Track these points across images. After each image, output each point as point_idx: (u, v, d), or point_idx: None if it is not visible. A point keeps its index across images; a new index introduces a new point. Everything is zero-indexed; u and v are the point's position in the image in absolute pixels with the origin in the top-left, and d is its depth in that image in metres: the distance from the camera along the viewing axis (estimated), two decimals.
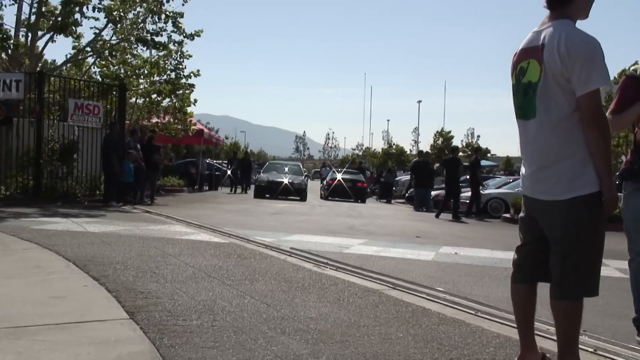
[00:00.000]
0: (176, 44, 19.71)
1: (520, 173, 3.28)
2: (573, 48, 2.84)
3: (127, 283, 4.99)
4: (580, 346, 3.19)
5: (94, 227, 9.18)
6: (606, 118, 2.94)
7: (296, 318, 4.13)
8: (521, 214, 3.30)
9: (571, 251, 2.95)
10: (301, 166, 31.03)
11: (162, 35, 18.79)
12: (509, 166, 59.94)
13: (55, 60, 20.10)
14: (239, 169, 30.10)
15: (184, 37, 19.53)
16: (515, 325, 3.65)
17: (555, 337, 3.22)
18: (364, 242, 9.58)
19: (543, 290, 3.19)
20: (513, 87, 3.18)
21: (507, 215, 17.42)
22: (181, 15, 18.49)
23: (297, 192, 24.09)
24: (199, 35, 19.67)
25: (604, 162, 2.90)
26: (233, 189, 29.19)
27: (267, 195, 23.75)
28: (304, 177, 26.71)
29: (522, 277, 3.27)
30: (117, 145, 14.91)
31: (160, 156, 17.74)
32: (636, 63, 4.10)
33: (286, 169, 26.80)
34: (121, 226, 9.59)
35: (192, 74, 21.63)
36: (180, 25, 18.46)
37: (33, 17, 16.98)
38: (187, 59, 20.79)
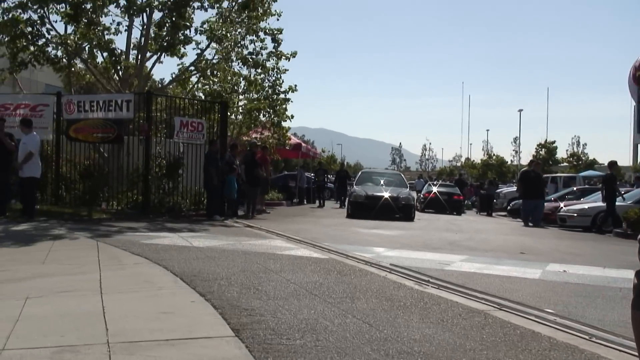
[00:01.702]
0: (274, 59, 20.19)
1: None
2: None
3: (231, 299, 5.10)
4: None
5: (198, 242, 9.48)
6: None
7: (399, 339, 4.06)
8: None
9: None
10: (403, 176, 25.31)
11: (262, 55, 19.31)
12: (618, 176, 56.87)
13: (163, 78, 21.12)
14: (336, 182, 28.96)
15: (280, 57, 20.09)
16: (637, 354, 3.42)
17: None
18: (465, 258, 9.34)
19: None
20: None
21: (619, 230, 16.48)
22: (280, 31, 18.90)
23: (402, 210, 19.06)
24: (294, 56, 20.17)
25: None
26: (319, 202, 27.03)
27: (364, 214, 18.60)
28: (408, 189, 21.61)
29: None
30: (216, 161, 15.38)
31: (262, 171, 18.12)
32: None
33: (384, 180, 22.05)
34: (224, 241, 9.86)
35: (289, 89, 22.07)
36: (279, 40, 18.86)
37: (142, 40, 17.88)
38: (284, 73, 21.25)
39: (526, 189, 19.71)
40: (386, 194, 19.47)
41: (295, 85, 22.26)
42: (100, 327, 4.08)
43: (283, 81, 21.74)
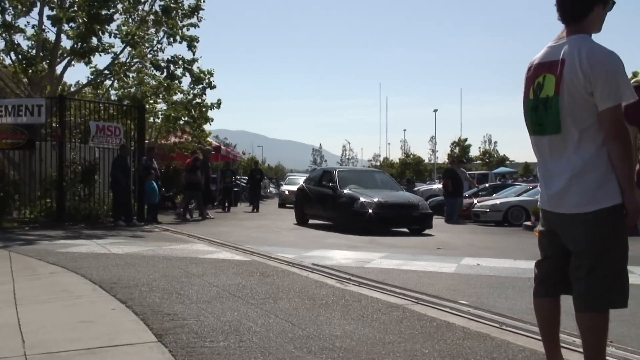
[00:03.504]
0: (191, 78, 20.03)
1: (539, 188, 3.30)
2: (596, 63, 2.87)
3: (153, 305, 5.06)
4: (607, 358, 3.19)
5: (117, 249, 9.30)
6: (628, 131, 2.95)
7: (322, 336, 4.17)
8: (541, 228, 3.32)
9: (597, 263, 2.97)
10: (389, 175, 21.68)
11: (179, 66, 18.98)
12: (527, 172, 59.49)
13: (78, 81, 20.39)
14: (249, 182, 26.29)
15: (196, 82, 20.08)
16: (541, 338, 3.67)
17: (581, 349, 3.24)
18: (384, 255, 9.58)
19: (567, 301, 3.21)
20: (530, 102, 3.20)
21: (528, 223, 17.30)
22: (196, 39, 18.55)
23: (421, 220, 14.85)
24: (212, 75, 20.31)
25: (627, 174, 2.92)
26: (225, 207, 23.94)
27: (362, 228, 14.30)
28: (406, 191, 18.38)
29: (545, 291, 3.29)
30: (124, 166, 15.04)
31: (196, 176, 18.20)
32: (635, 75, 4.14)
33: (374, 181, 17.42)
34: (144, 247, 9.71)
35: (212, 105, 21.94)
36: (194, 48, 18.58)
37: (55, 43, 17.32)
38: (210, 89, 21.12)
39: (452, 187, 20.16)
40: (402, 201, 15.24)
41: (219, 101, 22.18)
42: (16, 339, 3.98)
43: (206, 96, 21.59)
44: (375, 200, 14.61)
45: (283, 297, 5.59)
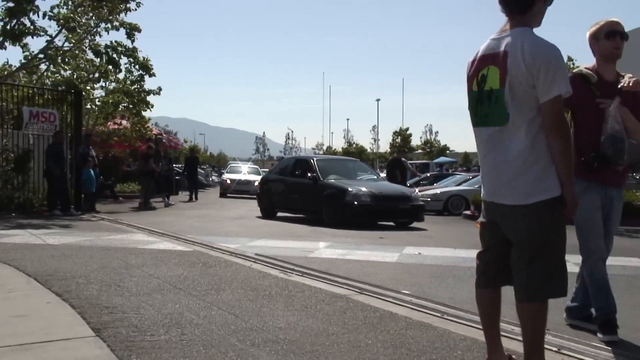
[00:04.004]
0: (131, 60, 19.56)
1: (480, 179, 3.33)
2: (538, 55, 2.91)
3: (91, 298, 4.91)
4: (545, 346, 3.27)
5: (53, 239, 9.00)
6: (568, 124, 3.01)
7: (265, 328, 4.13)
8: (482, 220, 3.36)
9: (536, 254, 3.02)
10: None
11: (119, 53, 18.47)
12: (467, 162, 60.85)
13: (10, 64, 19.48)
14: (185, 170, 25.01)
15: (143, 69, 19.62)
16: (482, 328, 3.73)
17: (520, 338, 3.30)
18: (328, 245, 9.61)
19: (507, 290, 3.26)
20: (474, 94, 3.22)
21: (468, 212, 17.67)
22: (136, 29, 18.05)
23: (413, 212, 14.12)
24: (151, 70, 19.88)
25: (566, 166, 2.98)
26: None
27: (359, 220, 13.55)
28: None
29: (487, 281, 3.34)
30: (59, 154, 14.57)
31: (149, 164, 18.24)
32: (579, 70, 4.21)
33: (353, 170, 16.56)
34: (81, 237, 9.43)
35: (152, 92, 21.51)
36: (134, 37, 18.08)
37: None
38: (151, 76, 20.65)
39: (396, 176, 20.22)
40: (395, 192, 14.42)
41: (160, 88, 21.74)
42: None
43: (146, 82, 21.11)
44: (367, 191, 13.70)
45: (226, 288, 5.52)
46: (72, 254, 7.44)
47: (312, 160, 15.82)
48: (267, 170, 43.36)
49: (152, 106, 22.39)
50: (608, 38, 4.24)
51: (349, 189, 13.73)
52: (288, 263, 7.20)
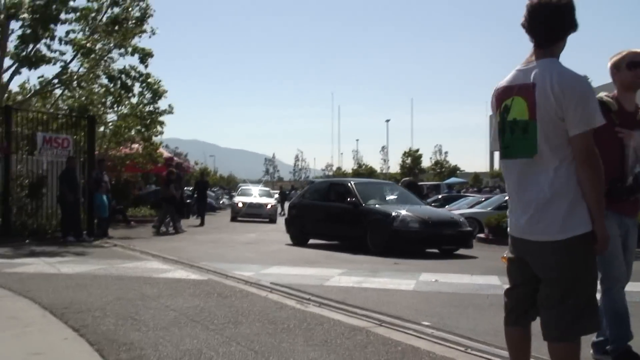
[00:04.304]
0: (144, 85, 19.68)
1: (508, 213, 3.27)
2: (568, 87, 2.86)
3: (108, 333, 4.85)
4: None
5: (67, 268, 8.97)
6: (599, 158, 2.93)
7: None
8: (509, 255, 3.28)
9: (567, 292, 2.94)
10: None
11: (132, 77, 18.61)
12: (477, 182, 60.59)
13: (24, 82, 19.63)
14: (194, 193, 24.79)
15: (154, 96, 19.79)
16: None
17: None
18: (343, 272, 9.51)
19: (536, 324, 3.17)
20: (497, 125, 3.18)
21: (482, 235, 17.52)
22: (150, 54, 18.20)
23: (462, 239, 13.41)
24: (163, 94, 20.03)
25: (598, 200, 2.91)
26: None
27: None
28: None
29: (516, 319, 3.24)
30: (72, 179, 14.58)
31: (170, 190, 18.48)
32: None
33: (393, 194, 15.54)
34: (95, 265, 9.40)
35: (165, 111, 21.59)
36: (147, 62, 18.24)
37: None
38: (162, 98, 20.75)
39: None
40: (445, 218, 13.83)
41: (171, 106, 21.83)
42: None
43: (159, 104, 21.20)
44: (415, 216, 13.02)
45: (243, 321, 5.44)
46: (87, 284, 7.39)
47: (350, 184, 15.08)
48: (277, 191, 43.27)
49: (164, 125, 22.38)
50: (630, 68, 4.21)
51: (397, 215, 13.03)
52: (304, 292, 7.11)
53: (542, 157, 2.96)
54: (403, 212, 13.21)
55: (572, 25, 3.03)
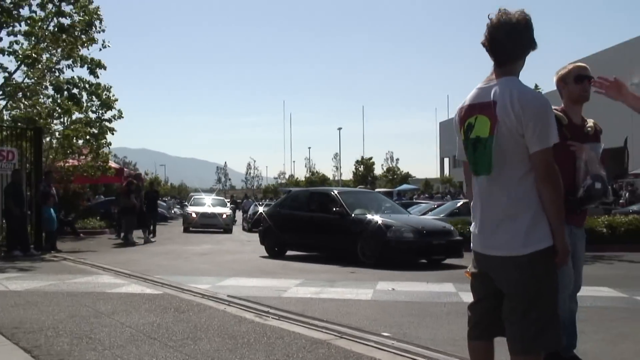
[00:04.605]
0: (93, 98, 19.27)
1: (471, 228, 3.30)
2: (528, 105, 2.93)
3: (62, 354, 4.71)
4: None
5: (15, 284, 8.68)
6: (558, 174, 3.00)
7: None
8: (473, 270, 3.31)
9: (530, 306, 2.98)
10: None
11: (81, 88, 18.22)
12: (428, 188, 61.41)
13: None
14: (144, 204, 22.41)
15: (104, 107, 19.38)
16: None
17: None
18: (300, 282, 9.48)
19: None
20: (462, 143, 3.23)
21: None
22: (101, 65, 17.89)
23: (452, 248, 12.80)
24: (115, 102, 19.63)
25: (558, 215, 2.97)
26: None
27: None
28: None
29: (479, 333, 3.26)
30: (18, 192, 14.14)
31: (131, 200, 18.27)
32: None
33: (378, 204, 14.96)
34: (45, 281, 9.13)
35: (112, 118, 21.14)
36: (97, 73, 17.92)
37: None
38: (112, 108, 20.31)
39: None
40: (437, 227, 13.42)
41: (120, 112, 21.37)
42: None
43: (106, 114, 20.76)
44: (409, 226, 12.59)
45: (202, 337, 5.35)
46: (37, 302, 7.16)
47: (334, 193, 14.54)
48: (228, 200, 42.70)
49: (115, 132, 21.86)
50: (576, 82, 4.31)
51: (391, 225, 12.57)
52: (263, 305, 7.05)
53: (503, 174, 3.01)
54: (395, 222, 12.85)
55: (530, 44, 3.10)
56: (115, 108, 20.09)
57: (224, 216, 27.28)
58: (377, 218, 13.06)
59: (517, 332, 3.02)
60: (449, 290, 8.54)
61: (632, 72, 29.55)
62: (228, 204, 33.20)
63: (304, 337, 5.38)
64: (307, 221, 14.30)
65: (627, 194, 27.32)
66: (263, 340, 5.27)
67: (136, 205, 18.39)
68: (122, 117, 21.33)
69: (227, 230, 26.71)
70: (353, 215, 13.33)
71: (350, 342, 5.24)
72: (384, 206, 14.78)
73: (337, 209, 13.54)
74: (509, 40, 3.05)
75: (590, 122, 4.45)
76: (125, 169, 30.29)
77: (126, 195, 18.57)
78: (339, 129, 75.97)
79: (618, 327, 6.22)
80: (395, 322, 6.35)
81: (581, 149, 4.20)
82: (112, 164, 25.29)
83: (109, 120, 21.03)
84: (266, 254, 14.43)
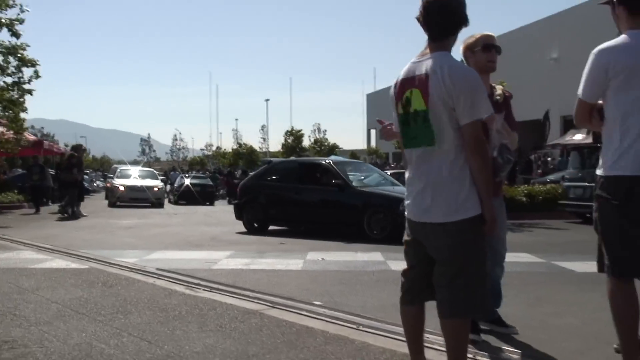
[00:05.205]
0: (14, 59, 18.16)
1: (405, 198, 3.39)
2: (458, 80, 3.02)
3: None
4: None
5: None
6: (486, 145, 3.13)
7: (182, 355, 3.99)
8: (406, 237, 3.42)
9: (458, 272, 3.12)
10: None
11: None
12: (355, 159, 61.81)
13: None
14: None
15: (21, 61, 18.22)
16: (398, 338, 3.79)
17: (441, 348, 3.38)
18: (230, 254, 9.45)
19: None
20: (400, 117, 3.29)
21: None
22: (20, 21, 16.97)
23: None
24: (35, 65, 18.43)
25: (485, 185, 3.11)
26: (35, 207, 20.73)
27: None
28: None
29: (411, 299, 3.38)
30: None
31: (73, 174, 18.21)
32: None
33: (372, 174, 14.27)
34: None
35: (30, 79, 19.98)
36: (17, 32, 17.02)
37: None
38: (29, 66, 19.12)
39: None
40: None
41: (37, 72, 20.14)
42: None
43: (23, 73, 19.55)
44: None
45: (132, 311, 5.29)
46: None
47: (329, 163, 13.55)
48: (161, 173, 41.52)
49: (26, 109, 20.64)
50: (484, 51, 4.36)
51: (402, 199, 11.30)
52: (193, 277, 7.02)
53: (440, 145, 3.10)
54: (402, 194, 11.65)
55: (463, 21, 3.19)
56: (38, 64, 18.75)
57: (155, 189, 25.80)
58: (385, 191, 12.30)
59: (446, 296, 3.16)
60: (378, 259, 8.73)
61: (551, 48, 30.58)
62: (159, 177, 32.17)
63: (236, 308, 5.40)
64: (297, 194, 13.16)
65: (540, 164, 28.33)
66: (195, 312, 5.26)
67: (78, 179, 18.34)
68: (40, 77, 20.11)
69: (159, 204, 25.38)
70: (358, 187, 12.51)
71: (283, 311, 5.30)
72: (385, 178, 14.00)
73: (336, 180, 12.63)
74: (443, 16, 3.13)
75: (499, 90, 4.48)
76: (45, 141, 29.13)
77: (68, 169, 18.42)
78: (267, 100, 75.57)
79: (537, 291, 6.55)
80: (326, 291, 6.46)
81: (492, 118, 4.32)
82: (27, 134, 24.10)
83: (27, 82, 19.88)
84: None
